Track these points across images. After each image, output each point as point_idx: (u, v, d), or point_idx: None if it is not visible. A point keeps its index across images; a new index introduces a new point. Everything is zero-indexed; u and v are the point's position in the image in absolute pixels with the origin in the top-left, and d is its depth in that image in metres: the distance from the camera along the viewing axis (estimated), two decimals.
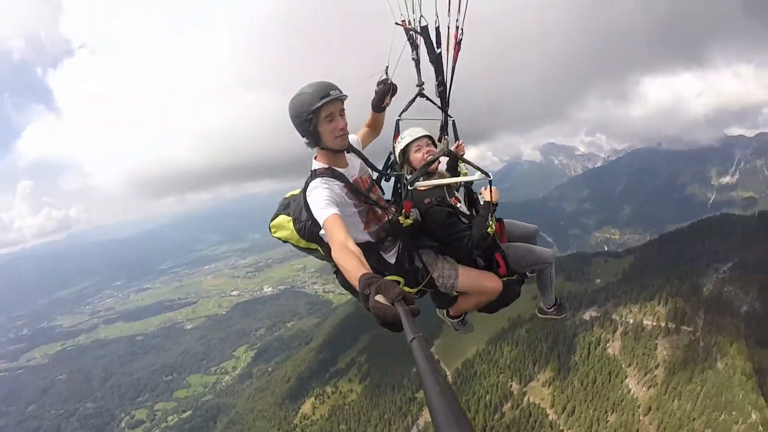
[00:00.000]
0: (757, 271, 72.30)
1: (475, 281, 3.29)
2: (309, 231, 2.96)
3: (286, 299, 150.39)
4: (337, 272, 2.85)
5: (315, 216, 2.49)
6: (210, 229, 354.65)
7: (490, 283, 3.32)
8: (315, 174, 2.74)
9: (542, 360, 66.03)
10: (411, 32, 2.98)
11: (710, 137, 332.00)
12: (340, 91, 2.58)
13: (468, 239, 3.16)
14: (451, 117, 3.26)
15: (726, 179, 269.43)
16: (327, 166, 2.79)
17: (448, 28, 2.47)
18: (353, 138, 3.12)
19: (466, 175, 3.64)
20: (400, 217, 2.98)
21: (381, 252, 3.07)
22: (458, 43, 2.63)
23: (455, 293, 3.42)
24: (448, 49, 2.56)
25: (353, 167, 2.97)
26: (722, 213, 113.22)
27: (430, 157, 3.26)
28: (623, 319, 67.50)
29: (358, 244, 2.53)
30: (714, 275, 73.89)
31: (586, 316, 69.89)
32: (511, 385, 65.70)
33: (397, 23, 3.00)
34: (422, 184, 3.21)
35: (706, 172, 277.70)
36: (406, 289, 3.03)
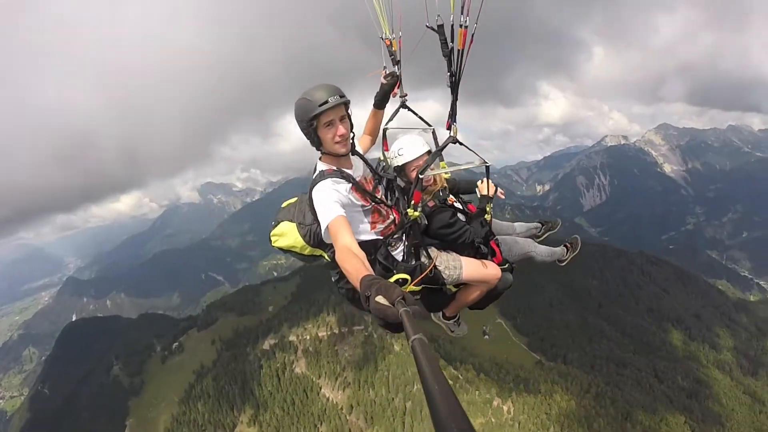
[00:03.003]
0: None
1: (478, 269, 3.39)
2: (315, 234, 2.90)
3: None
4: (339, 281, 3.01)
5: (319, 217, 2.49)
6: None
7: (491, 269, 3.45)
8: (323, 175, 2.73)
9: (238, 401, 64.58)
10: (393, 51, 3.34)
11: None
12: (341, 97, 2.57)
13: (470, 233, 3.42)
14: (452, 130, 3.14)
15: None
16: (334, 167, 2.82)
17: (461, 26, 2.72)
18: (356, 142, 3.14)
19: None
20: (409, 210, 3.01)
21: (388, 249, 3.07)
22: (472, 35, 2.79)
23: (453, 289, 3.56)
24: (463, 45, 2.77)
25: (357, 168, 3.03)
26: None
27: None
28: (301, 337, 72.14)
29: (366, 242, 2.66)
30: None
31: (266, 345, 71.70)
32: None
33: (381, 38, 3.31)
34: (430, 174, 3.33)
35: None
36: (412, 288, 2.91)
